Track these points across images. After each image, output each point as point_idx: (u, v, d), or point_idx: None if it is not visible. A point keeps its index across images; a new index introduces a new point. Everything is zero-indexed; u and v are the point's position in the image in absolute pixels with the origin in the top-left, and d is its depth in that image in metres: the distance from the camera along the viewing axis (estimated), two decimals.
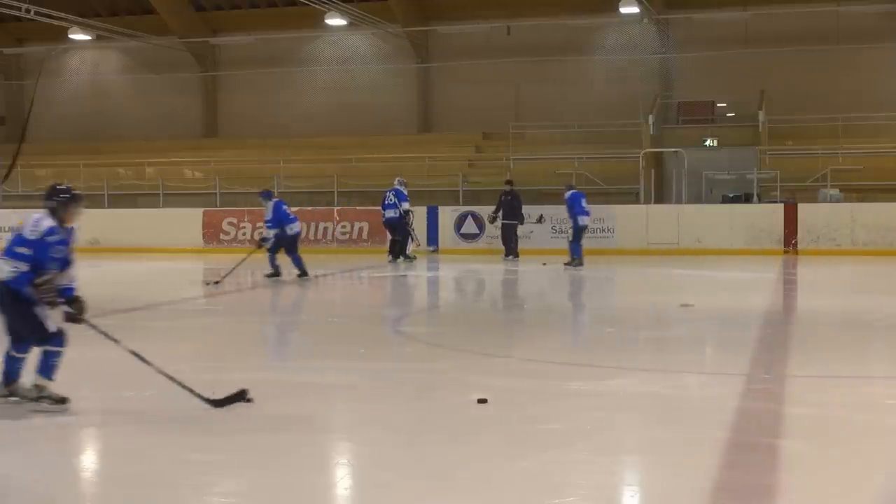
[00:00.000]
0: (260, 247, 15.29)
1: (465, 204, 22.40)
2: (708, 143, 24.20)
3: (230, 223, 23.04)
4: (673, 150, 23.39)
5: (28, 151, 29.63)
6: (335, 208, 22.78)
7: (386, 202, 19.21)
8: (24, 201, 26.54)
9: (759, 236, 20.06)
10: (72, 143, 30.08)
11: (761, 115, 23.45)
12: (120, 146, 29.91)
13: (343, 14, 25.45)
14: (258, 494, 4.49)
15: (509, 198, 19.52)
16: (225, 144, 29.54)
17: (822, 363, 7.87)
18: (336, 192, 24.29)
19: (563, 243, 20.80)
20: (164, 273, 18.58)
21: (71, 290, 6.16)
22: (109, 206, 25.49)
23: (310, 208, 22.62)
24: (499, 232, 19.99)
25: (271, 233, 15.00)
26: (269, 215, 15.03)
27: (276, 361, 8.07)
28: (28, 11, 23.55)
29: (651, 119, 23.98)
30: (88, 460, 5.44)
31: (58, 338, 6.04)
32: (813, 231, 19.82)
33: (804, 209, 20.08)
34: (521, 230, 19.95)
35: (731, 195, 22.44)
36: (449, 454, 5.16)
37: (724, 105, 25.55)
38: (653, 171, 23.23)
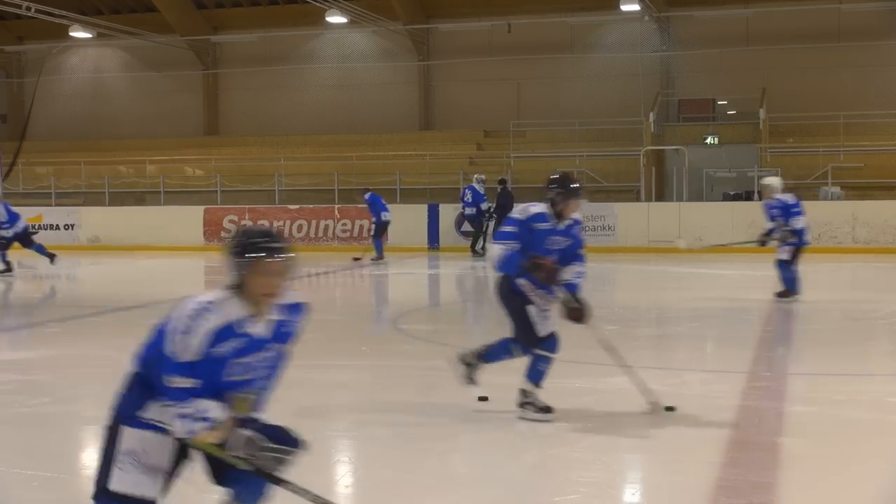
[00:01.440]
0: (6, 247, 16.24)
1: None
2: (709, 140, 24.19)
3: (231, 221, 23.03)
4: (674, 147, 23.37)
5: (29, 149, 29.61)
6: (336, 206, 22.77)
7: (464, 199, 19.99)
8: (25, 199, 26.58)
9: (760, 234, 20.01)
10: (72, 141, 30.09)
11: (762, 113, 23.43)
12: (121, 144, 29.92)
13: (344, 12, 25.45)
14: None
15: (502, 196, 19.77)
16: (226, 142, 29.54)
17: (823, 361, 7.87)
18: (337, 189, 24.29)
19: None
20: (166, 271, 18.58)
21: (574, 286, 5.79)
22: (110, 204, 25.52)
23: (311, 206, 22.63)
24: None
25: (10, 232, 16.06)
26: (4, 217, 16.00)
27: None
28: (29, 9, 23.53)
29: (652, 117, 23.96)
30: (89, 458, 5.44)
31: (549, 342, 5.75)
32: (814, 229, 19.67)
33: (805, 207, 20.02)
34: None
35: (731, 193, 22.43)
36: (450, 452, 5.16)
37: (725, 103, 25.54)
38: (653, 168, 23.21)
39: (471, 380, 6.01)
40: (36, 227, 21.24)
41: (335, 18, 25.71)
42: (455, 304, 13.93)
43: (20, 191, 27.19)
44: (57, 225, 24.14)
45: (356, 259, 18.37)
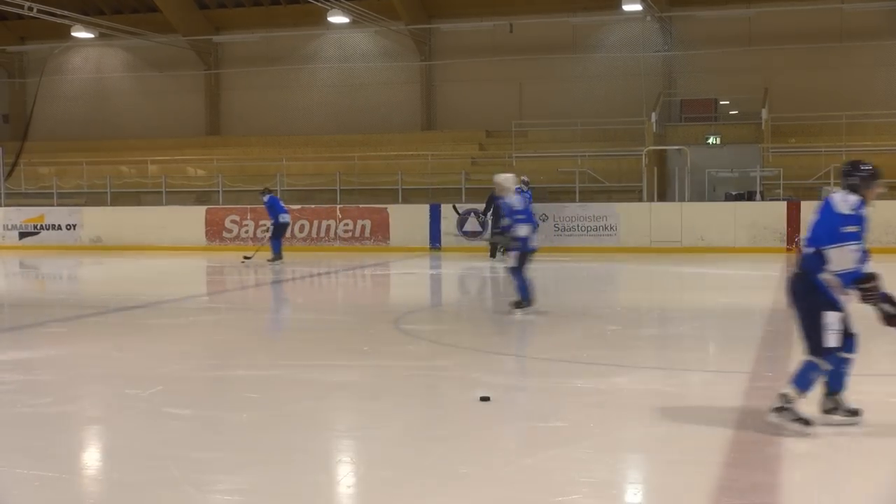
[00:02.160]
0: None
1: (467, 202, 22.39)
2: (711, 140, 24.17)
3: (233, 221, 23.04)
4: (676, 147, 23.37)
5: (31, 149, 29.68)
6: (338, 206, 22.77)
7: None
8: (27, 199, 26.62)
9: (762, 234, 20.03)
10: (74, 141, 30.12)
11: (764, 113, 23.42)
12: (123, 144, 29.95)
13: (346, 12, 25.46)
14: (262, 492, 4.49)
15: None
16: (228, 142, 29.56)
17: None
18: (339, 189, 24.32)
19: (565, 241, 20.84)
20: (167, 271, 18.59)
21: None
22: (112, 205, 25.53)
23: (312, 206, 22.63)
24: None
25: None
26: None
27: (279, 359, 8.07)
28: (31, 9, 23.55)
29: (654, 117, 23.95)
30: (91, 458, 5.44)
31: (830, 355, 5.21)
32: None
33: (807, 207, 20.01)
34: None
35: (734, 193, 22.42)
36: (452, 452, 5.16)
37: (727, 103, 25.53)
38: (656, 168, 23.20)
39: (803, 421, 5.28)
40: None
41: (337, 18, 25.73)
42: (457, 304, 13.92)
43: (22, 191, 27.24)
44: (59, 225, 24.14)
45: (246, 258, 18.28)
